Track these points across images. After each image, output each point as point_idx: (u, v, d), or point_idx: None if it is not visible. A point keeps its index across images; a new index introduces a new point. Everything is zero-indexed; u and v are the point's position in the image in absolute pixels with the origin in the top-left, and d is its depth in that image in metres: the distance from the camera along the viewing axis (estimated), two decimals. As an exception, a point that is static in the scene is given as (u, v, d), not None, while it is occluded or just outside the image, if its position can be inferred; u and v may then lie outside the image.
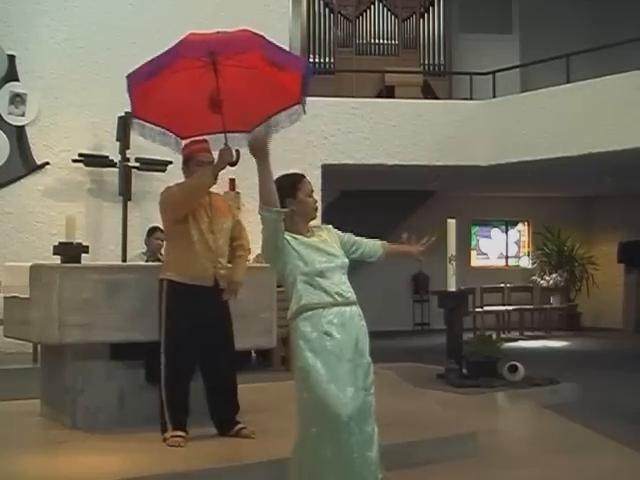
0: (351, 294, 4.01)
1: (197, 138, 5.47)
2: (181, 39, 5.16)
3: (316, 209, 4.16)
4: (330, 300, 3.92)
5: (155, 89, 5.27)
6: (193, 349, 5.17)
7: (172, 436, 5.10)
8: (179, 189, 5.25)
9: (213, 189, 5.39)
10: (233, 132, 5.39)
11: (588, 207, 18.18)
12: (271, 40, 5.32)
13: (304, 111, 5.43)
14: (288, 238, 3.93)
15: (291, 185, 4.10)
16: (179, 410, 5.19)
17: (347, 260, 4.09)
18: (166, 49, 5.18)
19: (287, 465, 3.99)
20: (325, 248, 4.04)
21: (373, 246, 4.35)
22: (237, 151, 5.21)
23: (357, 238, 4.29)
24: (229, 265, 5.38)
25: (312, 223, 4.14)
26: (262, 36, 5.22)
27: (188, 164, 5.37)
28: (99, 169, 10.84)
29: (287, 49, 5.28)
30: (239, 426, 5.31)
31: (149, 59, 5.25)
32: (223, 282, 5.28)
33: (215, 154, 5.29)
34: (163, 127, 5.48)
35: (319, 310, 3.89)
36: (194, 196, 5.21)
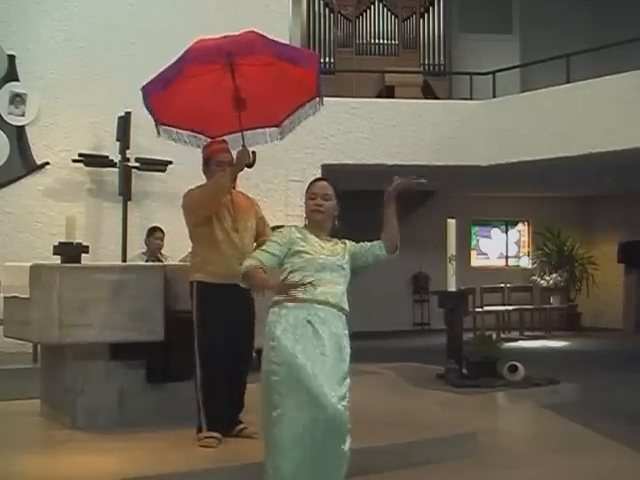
0: (339, 301, 4.02)
1: (215, 139, 5.52)
2: (191, 46, 5.20)
3: (316, 212, 4.16)
4: (321, 298, 3.97)
5: (174, 95, 5.30)
6: (225, 348, 5.18)
7: (206, 437, 5.11)
8: (200, 192, 5.28)
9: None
10: (262, 128, 5.54)
11: (588, 207, 18.18)
12: (276, 39, 5.36)
13: (322, 103, 5.46)
14: (294, 230, 4.08)
15: (306, 189, 4.28)
16: (215, 411, 5.17)
17: (347, 270, 4.12)
18: (177, 57, 5.22)
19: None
20: (325, 250, 4.07)
21: (377, 247, 4.27)
22: (253, 152, 5.26)
23: (365, 245, 4.27)
24: None
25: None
26: (267, 36, 5.26)
27: (208, 164, 5.40)
28: (99, 169, 10.85)
29: (292, 45, 5.35)
30: (241, 426, 5.31)
31: (161, 70, 5.29)
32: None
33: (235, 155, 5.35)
34: (189, 130, 5.54)
35: (305, 304, 3.95)
36: (215, 198, 5.23)
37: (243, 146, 5.25)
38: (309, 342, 3.88)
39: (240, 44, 5.23)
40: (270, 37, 5.28)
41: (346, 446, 3.84)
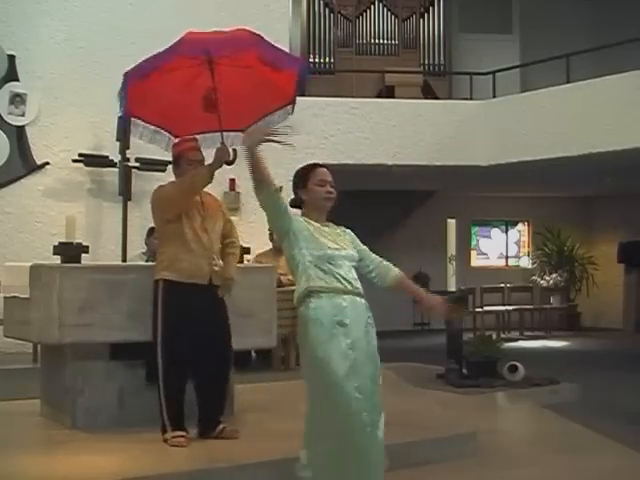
0: (360, 287, 3.91)
1: (186, 137, 5.48)
2: (180, 38, 5.16)
3: (328, 199, 4.02)
4: (340, 286, 3.82)
5: (151, 89, 5.26)
6: (190, 348, 5.14)
7: (173, 437, 5.09)
8: (173, 187, 5.26)
9: (210, 189, 5.41)
10: (229, 131, 5.40)
11: (588, 207, 18.18)
12: (268, 39, 5.31)
13: (292, 111, 5.44)
14: (301, 219, 3.93)
15: (302, 175, 4.11)
16: (177, 410, 5.17)
17: (357, 255, 4.00)
18: (165, 47, 5.18)
19: (289, 462, 3.98)
20: (336, 238, 3.98)
21: (385, 271, 4.13)
22: (234, 150, 5.23)
23: (372, 255, 4.12)
24: (221, 262, 5.38)
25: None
26: (259, 35, 5.22)
27: (179, 163, 5.38)
28: (99, 169, 10.85)
29: (284, 48, 5.28)
30: (220, 426, 5.24)
31: (147, 57, 5.24)
32: (217, 279, 5.28)
33: (206, 152, 5.32)
34: (156, 125, 5.50)
35: (330, 294, 3.79)
36: (189, 195, 5.21)
37: (222, 143, 5.22)
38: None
39: (225, 41, 5.18)
40: (264, 37, 5.22)
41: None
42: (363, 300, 3.92)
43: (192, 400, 5.26)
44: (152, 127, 5.49)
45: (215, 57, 5.21)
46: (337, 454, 3.69)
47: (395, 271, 4.17)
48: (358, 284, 3.92)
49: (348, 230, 4.14)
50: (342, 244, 3.98)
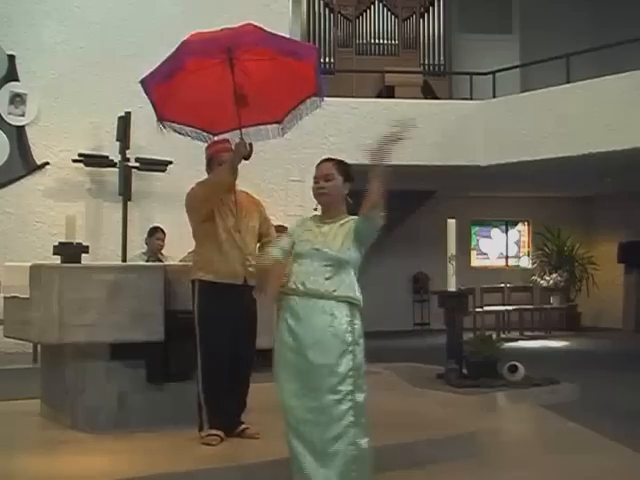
0: (321, 287, 3.91)
1: (218, 138, 5.51)
2: (185, 40, 5.17)
3: (318, 195, 4.10)
4: (293, 287, 3.96)
5: (175, 91, 5.28)
6: (227, 348, 5.18)
7: (207, 435, 5.12)
8: (200, 187, 5.29)
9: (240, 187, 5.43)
10: (263, 125, 5.52)
11: (588, 207, 18.18)
12: (273, 32, 5.30)
13: (321, 102, 5.45)
14: (301, 220, 4.13)
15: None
16: (217, 410, 5.18)
17: (343, 257, 3.99)
18: (173, 50, 5.18)
19: (289, 463, 4.00)
20: (320, 237, 4.01)
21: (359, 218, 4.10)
22: (250, 144, 5.25)
23: (355, 221, 4.09)
24: None
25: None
26: (265, 29, 5.21)
27: (211, 164, 5.41)
28: (99, 169, 10.84)
29: (292, 38, 5.32)
30: (243, 426, 5.31)
31: (160, 63, 5.26)
32: (252, 280, 5.29)
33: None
34: (193, 126, 5.53)
35: (287, 297, 3.98)
36: (215, 192, 5.23)
37: (241, 138, 5.23)
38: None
39: (240, 37, 5.19)
40: (270, 30, 5.23)
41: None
42: (323, 302, 3.92)
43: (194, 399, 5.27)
44: (189, 128, 5.53)
45: (237, 53, 5.22)
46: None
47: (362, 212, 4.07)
48: (317, 285, 3.92)
49: (353, 220, 4.09)
50: (326, 240, 4.01)
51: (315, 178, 4.14)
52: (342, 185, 4.15)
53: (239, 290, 5.20)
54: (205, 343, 5.18)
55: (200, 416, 5.20)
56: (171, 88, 5.26)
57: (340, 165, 4.20)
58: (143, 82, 5.29)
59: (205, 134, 5.59)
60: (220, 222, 5.24)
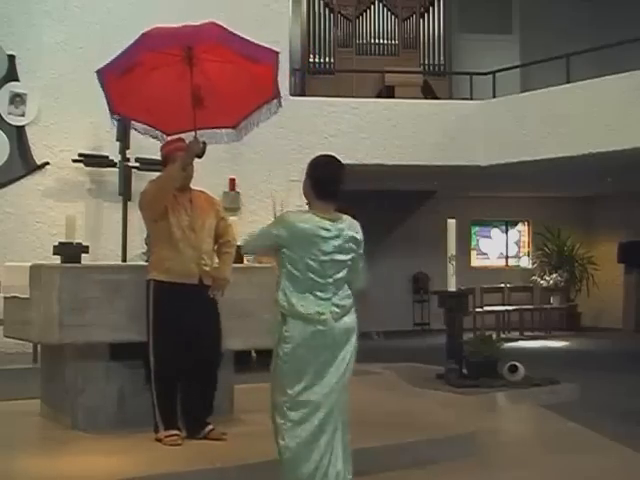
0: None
1: (173, 137, 5.50)
2: (145, 32, 5.12)
3: None
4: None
5: (132, 86, 5.28)
6: (181, 348, 5.15)
7: (167, 436, 5.11)
8: (151, 185, 5.30)
9: (209, 188, 5.42)
10: (218, 128, 5.50)
11: (588, 207, 18.17)
12: (235, 32, 5.27)
13: (280, 104, 5.43)
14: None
15: None
16: (170, 409, 5.19)
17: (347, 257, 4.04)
18: (131, 43, 5.14)
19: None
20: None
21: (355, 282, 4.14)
22: (204, 143, 5.22)
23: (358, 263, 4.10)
24: (216, 261, 5.38)
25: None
26: (228, 29, 5.19)
27: (165, 163, 5.42)
28: (99, 169, 10.84)
29: (254, 41, 5.29)
30: (209, 427, 5.26)
31: (117, 54, 5.22)
32: (207, 279, 5.27)
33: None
34: (145, 123, 5.53)
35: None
36: (165, 190, 5.21)
37: (195, 137, 5.21)
38: None
39: (201, 36, 5.18)
40: (232, 31, 5.21)
41: None
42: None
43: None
44: (142, 126, 5.53)
45: (195, 52, 5.21)
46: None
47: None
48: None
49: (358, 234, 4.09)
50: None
51: None
52: (304, 184, 4.19)
53: (194, 290, 5.18)
54: (156, 343, 5.15)
55: (154, 418, 5.19)
56: (128, 83, 5.24)
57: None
58: (99, 73, 5.25)
59: (158, 132, 5.57)
60: (174, 221, 5.21)
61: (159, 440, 5.12)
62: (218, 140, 5.56)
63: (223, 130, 5.58)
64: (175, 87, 5.34)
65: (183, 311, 5.12)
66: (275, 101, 5.43)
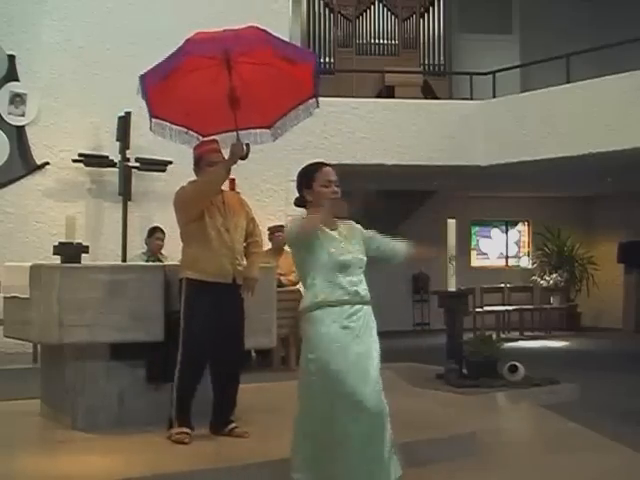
0: (366, 293, 4.04)
1: (207, 139, 5.52)
2: (188, 38, 5.17)
3: (337, 199, 4.11)
4: (347, 298, 3.95)
5: (171, 89, 5.30)
6: (209, 347, 5.19)
7: (177, 432, 5.13)
8: (193, 186, 5.29)
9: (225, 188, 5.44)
10: (253, 129, 5.53)
11: (588, 207, 18.18)
12: (277, 35, 5.34)
13: (317, 104, 5.45)
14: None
15: (308, 175, 4.20)
16: (187, 408, 5.21)
17: (365, 259, 4.10)
18: (175, 49, 5.19)
19: (288, 463, 4.00)
20: (345, 244, 4.03)
21: (395, 249, 4.34)
22: (247, 145, 5.27)
23: (380, 237, 4.28)
24: (244, 262, 5.41)
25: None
26: (268, 31, 5.23)
27: (199, 164, 5.41)
28: (99, 169, 10.84)
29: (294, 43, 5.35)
30: (232, 425, 5.32)
31: (159, 61, 5.27)
32: (240, 279, 5.30)
33: (226, 152, 5.33)
34: (183, 126, 5.54)
35: (336, 308, 3.92)
36: (207, 193, 5.25)
37: (237, 140, 5.24)
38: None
39: (239, 40, 5.20)
40: (272, 33, 5.24)
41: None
42: (367, 308, 4.06)
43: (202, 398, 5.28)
44: (178, 127, 5.54)
45: (232, 55, 5.24)
46: (319, 453, 3.88)
47: (404, 247, 4.39)
48: (365, 292, 4.04)
49: (351, 222, 4.18)
50: (351, 247, 4.07)
51: (328, 182, 4.17)
52: None
53: (227, 289, 5.20)
54: (188, 342, 5.18)
55: (170, 413, 5.21)
56: (167, 87, 5.26)
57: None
58: (142, 77, 5.28)
59: (194, 134, 5.58)
60: (209, 221, 5.23)
61: (169, 437, 5.15)
62: (252, 141, 5.56)
63: (257, 130, 5.59)
64: (211, 89, 5.36)
65: (215, 309, 5.14)
66: (312, 101, 5.43)
